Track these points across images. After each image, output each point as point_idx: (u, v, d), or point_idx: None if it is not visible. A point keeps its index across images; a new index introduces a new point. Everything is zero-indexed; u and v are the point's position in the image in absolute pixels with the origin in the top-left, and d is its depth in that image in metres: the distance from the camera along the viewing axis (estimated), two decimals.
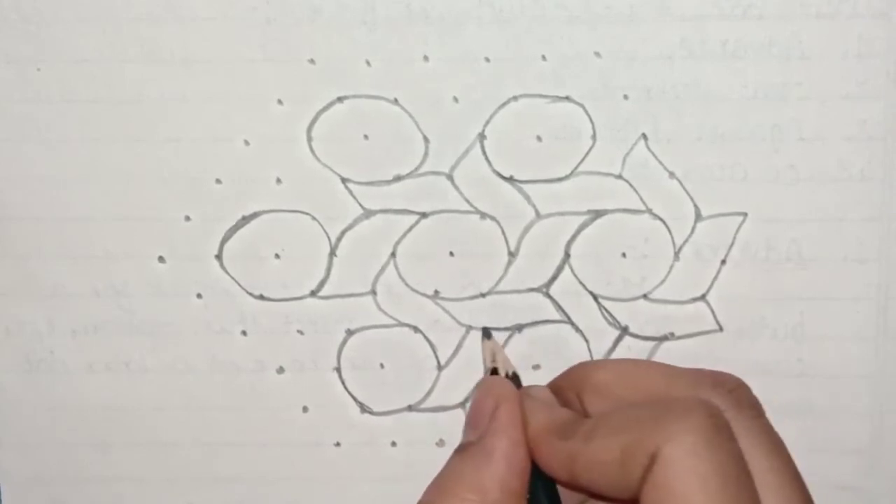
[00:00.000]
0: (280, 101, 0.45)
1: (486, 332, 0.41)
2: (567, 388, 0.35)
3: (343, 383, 0.47)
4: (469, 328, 0.46)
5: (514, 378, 0.38)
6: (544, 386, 0.37)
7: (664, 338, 0.46)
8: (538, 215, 0.46)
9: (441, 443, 0.47)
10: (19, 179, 0.46)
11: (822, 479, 0.46)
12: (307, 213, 0.46)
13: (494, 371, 0.39)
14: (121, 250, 0.46)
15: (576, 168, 0.46)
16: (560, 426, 0.33)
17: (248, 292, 0.46)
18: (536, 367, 0.46)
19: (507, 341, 0.46)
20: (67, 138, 0.46)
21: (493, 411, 0.35)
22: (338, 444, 0.47)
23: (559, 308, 0.46)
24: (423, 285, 0.46)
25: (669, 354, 0.46)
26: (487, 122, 0.45)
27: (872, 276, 0.46)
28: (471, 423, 0.35)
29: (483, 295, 0.46)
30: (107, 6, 0.45)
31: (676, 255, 0.46)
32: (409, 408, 0.47)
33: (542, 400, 0.36)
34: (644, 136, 0.45)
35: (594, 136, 0.45)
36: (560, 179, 0.46)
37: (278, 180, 0.46)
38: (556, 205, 0.46)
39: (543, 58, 0.45)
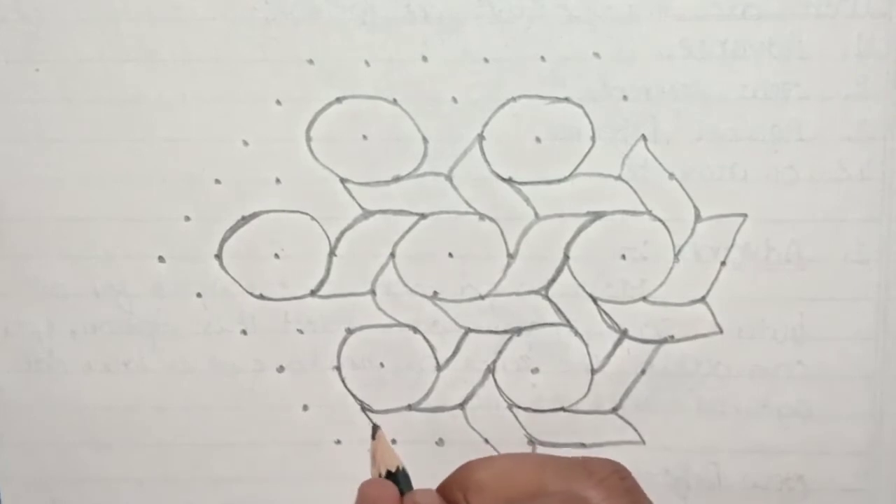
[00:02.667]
0: (279, 102, 0.45)
1: (374, 430, 0.41)
2: (453, 489, 0.36)
3: (343, 382, 0.47)
4: (468, 330, 0.46)
5: (403, 475, 0.39)
6: (431, 490, 0.37)
7: (664, 340, 0.46)
8: (537, 217, 0.46)
9: (440, 442, 0.47)
10: (19, 179, 0.46)
11: (823, 480, 0.47)
12: (306, 214, 0.46)
13: (387, 474, 0.39)
14: (121, 250, 0.46)
15: (575, 169, 0.46)
16: None
17: (247, 292, 0.46)
18: (535, 370, 0.46)
19: (505, 343, 0.46)
20: (67, 138, 0.46)
21: None
22: (338, 442, 0.47)
23: (558, 310, 0.46)
24: (422, 286, 0.46)
25: (669, 357, 0.46)
26: (486, 123, 0.45)
27: (872, 277, 0.46)
28: None
29: (482, 297, 0.46)
30: (106, 6, 0.45)
31: (676, 256, 0.46)
32: (409, 407, 0.47)
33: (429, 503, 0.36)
34: (643, 136, 0.45)
35: (593, 137, 0.45)
36: (559, 181, 0.46)
37: (277, 180, 0.46)
38: (555, 206, 0.46)
39: (542, 58, 0.45)
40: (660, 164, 0.45)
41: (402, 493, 0.37)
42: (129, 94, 0.46)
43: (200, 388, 0.47)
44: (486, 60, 0.45)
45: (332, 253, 0.46)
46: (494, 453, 0.46)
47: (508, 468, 0.35)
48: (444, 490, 0.37)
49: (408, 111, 0.45)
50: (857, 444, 0.47)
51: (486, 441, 0.47)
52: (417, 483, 0.38)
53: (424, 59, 0.45)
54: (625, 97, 0.45)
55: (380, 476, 0.38)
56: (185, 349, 0.47)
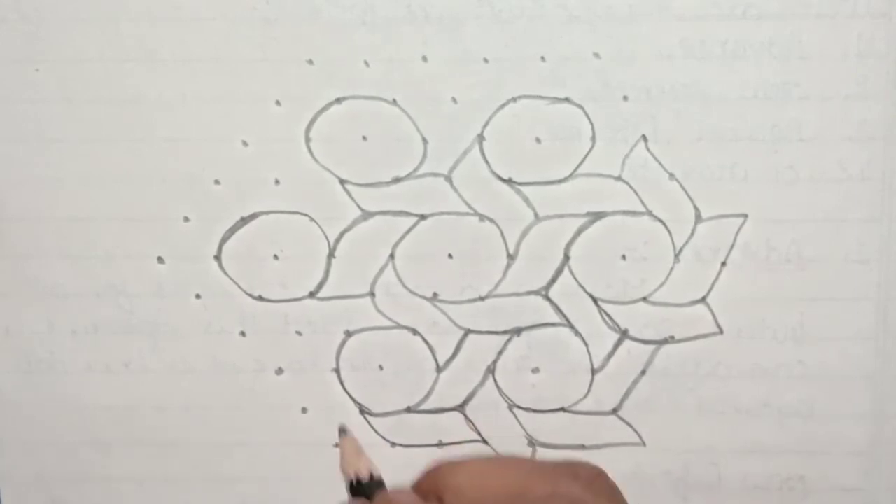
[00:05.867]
0: (278, 102, 0.45)
1: (342, 430, 0.40)
2: (429, 491, 0.35)
3: (342, 384, 0.47)
4: (468, 331, 0.46)
5: (377, 483, 0.38)
6: (407, 490, 0.37)
7: (664, 341, 0.46)
8: (537, 217, 0.46)
9: (440, 444, 0.47)
10: (19, 179, 0.46)
11: (823, 480, 0.47)
12: (306, 215, 0.46)
13: (358, 483, 0.38)
14: (120, 251, 0.46)
15: (575, 170, 0.46)
16: None
17: (246, 293, 0.46)
18: (535, 370, 0.46)
19: (505, 344, 0.46)
20: (67, 138, 0.46)
21: None
22: (337, 445, 0.47)
23: (558, 311, 0.46)
24: (421, 287, 0.46)
25: (669, 357, 0.46)
26: (486, 124, 0.45)
27: (872, 276, 0.46)
28: None
29: (482, 298, 0.46)
30: (106, 6, 0.45)
31: (676, 257, 0.46)
32: (408, 409, 0.47)
33: None
34: (644, 137, 0.45)
35: (594, 138, 0.45)
36: (559, 181, 0.46)
37: (277, 181, 0.46)
38: (555, 207, 0.46)
39: (542, 58, 0.45)
40: (660, 164, 0.45)
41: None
42: (129, 94, 0.46)
43: (200, 388, 0.47)
44: (486, 60, 0.45)
45: (331, 254, 0.46)
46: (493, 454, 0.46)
47: (487, 472, 0.34)
48: (420, 490, 0.36)
49: (407, 111, 0.45)
50: (857, 444, 0.47)
51: (486, 442, 0.47)
52: None
53: (424, 59, 0.45)
54: (625, 97, 0.45)
55: (352, 485, 0.38)
56: (184, 350, 0.47)
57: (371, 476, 0.37)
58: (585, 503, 0.32)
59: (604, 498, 0.33)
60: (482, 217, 0.46)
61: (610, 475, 0.34)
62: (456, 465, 0.35)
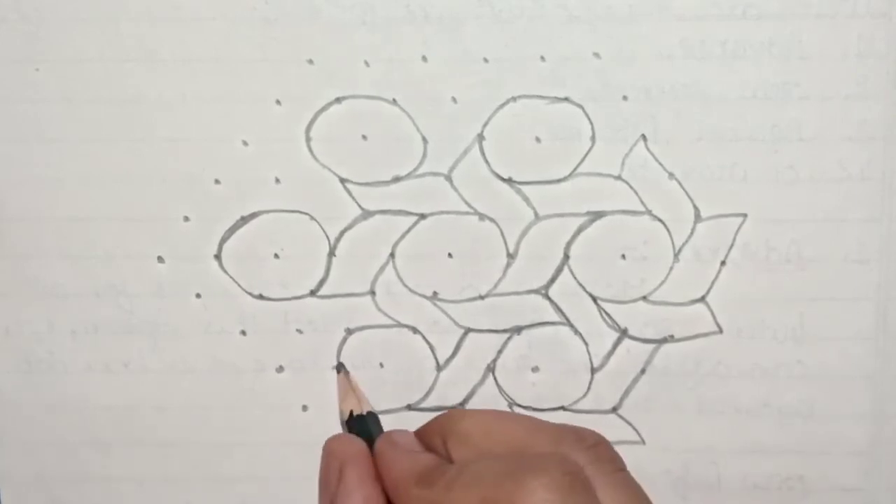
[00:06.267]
0: (279, 102, 0.45)
1: (339, 367, 0.40)
2: (433, 434, 0.35)
3: None
4: (468, 330, 0.46)
5: (372, 418, 0.38)
6: (408, 431, 0.37)
7: (664, 340, 0.46)
8: (537, 216, 0.46)
9: None
10: (19, 179, 0.46)
11: (823, 480, 0.47)
12: (306, 214, 0.46)
13: (350, 417, 0.38)
14: (120, 250, 0.46)
15: (575, 169, 0.46)
16: (422, 474, 0.33)
17: (247, 292, 0.46)
18: (535, 369, 0.46)
19: (505, 343, 0.46)
20: (67, 138, 0.46)
21: (339, 472, 0.35)
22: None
23: (558, 310, 0.46)
24: (421, 286, 0.46)
25: (669, 356, 0.46)
26: (486, 123, 0.45)
27: (872, 277, 0.46)
28: (322, 487, 0.36)
29: (482, 297, 0.46)
30: (106, 6, 0.45)
31: (676, 256, 0.46)
32: (409, 407, 0.47)
33: (405, 445, 0.36)
34: (643, 136, 0.45)
35: (593, 137, 0.45)
36: (559, 180, 0.46)
37: (277, 180, 0.46)
38: (555, 206, 0.46)
39: (542, 58, 0.45)
40: (660, 164, 0.45)
41: (372, 438, 0.37)
42: (129, 94, 0.46)
43: (200, 388, 0.47)
44: (486, 60, 0.45)
45: (331, 253, 0.46)
46: None
47: (495, 422, 0.34)
48: (423, 435, 0.36)
49: (407, 111, 0.45)
50: (857, 444, 0.47)
51: None
52: None
53: (424, 59, 0.45)
54: (625, 97, 0.45)
55: (346, 419, 0.38)
56: (185, 349, 0.47)
57: (364, 413, 0.37)
58: (582, 467, 0.32)
59: (605, 462, 0.33)
60: (482, 216, 0.46)
61: None
62: (465, 412, 0.35)
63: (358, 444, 0.37)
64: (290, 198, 0.46)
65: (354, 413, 0.39)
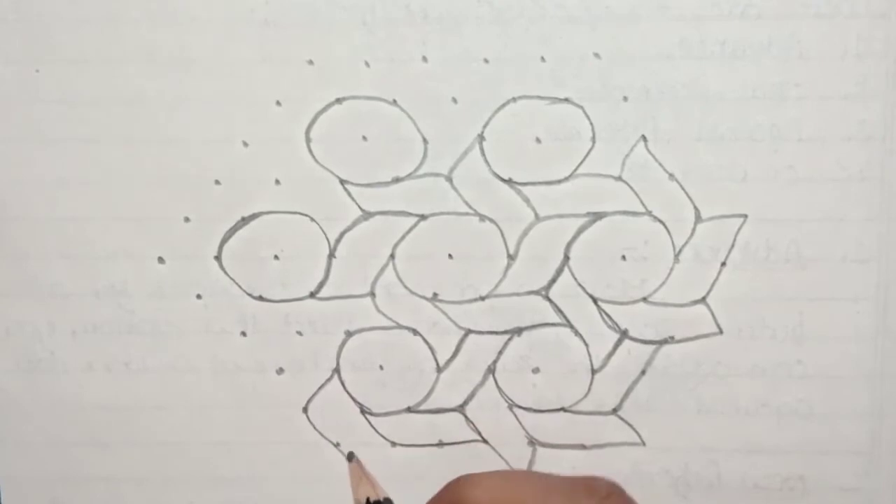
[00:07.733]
0: (279, 103, 0.45)
1: (350, 456, 0.40)
2: None
3: (342, 384, 0.47)
4: (468, 331, 0.46)
5: (386, 501, 0.38)
6: None
7: (664, 341, 0.46)
8: (537, 217, 0.46)
9: (440, 444, 0.47)
10: (19, 179, 0.46)
11: (823, 480, 0.47)
12: (306, 215, 0.46)
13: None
14: (121, 250, 0.46)
15: (575, 170, 0.46)
16: None
17: (247, 293, 0.46)
18: (535, 370, 0.46)
19: (506, 344, 0.46)
20: (67, 139, 0.46)
21: None
22: (337, 445, 0.47)
23: (558, 311, 0.46)
24: (421, 287, 0.46)
25: (669, 357, 0.46)
26: (486, 124, 0.45)
27: (872, 276, 0.46)
28: None
29: (482, 298, 0.46)
30: (106, 7, 0.45)
31: (676, 257, 0.46)
32: (409, 409, 0.47)
33: None
34: (643, 137, 0.45)
35: (593, 138, 0.45)
36: (559, 181, 0.46)
37: (277, 181, 0.46)
38: (555, 207, 0.46)
39: (542, 59, 0.45)
40: (660, 164, 0.45)
41: None
42: (129, 94, 0.46)
43: (200, 388, 0.47)
44: (486, 60, 0.45)
45: (331, 254, 0.46)
46: (493, 454, 0.46)
47: (504, 487, 0.34)
48: None
49: (407, 112, 0.45)
50: (857, 443, 0.47)
51: (486, 442, 0.47)
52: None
53: (424, 59, 0.45)
54: (625, 97, 0.45)
55: None
56: (185, 350, 0.47)
57: (380, 500, 0.37)
58: None
59: None
60: (482, 217, 0.46)
61: (610, 475, 0.34)
62: (474, 478, 0.34)
63: None
64: (291, 199, 0.46)
65: (371, 500, 0.39)
